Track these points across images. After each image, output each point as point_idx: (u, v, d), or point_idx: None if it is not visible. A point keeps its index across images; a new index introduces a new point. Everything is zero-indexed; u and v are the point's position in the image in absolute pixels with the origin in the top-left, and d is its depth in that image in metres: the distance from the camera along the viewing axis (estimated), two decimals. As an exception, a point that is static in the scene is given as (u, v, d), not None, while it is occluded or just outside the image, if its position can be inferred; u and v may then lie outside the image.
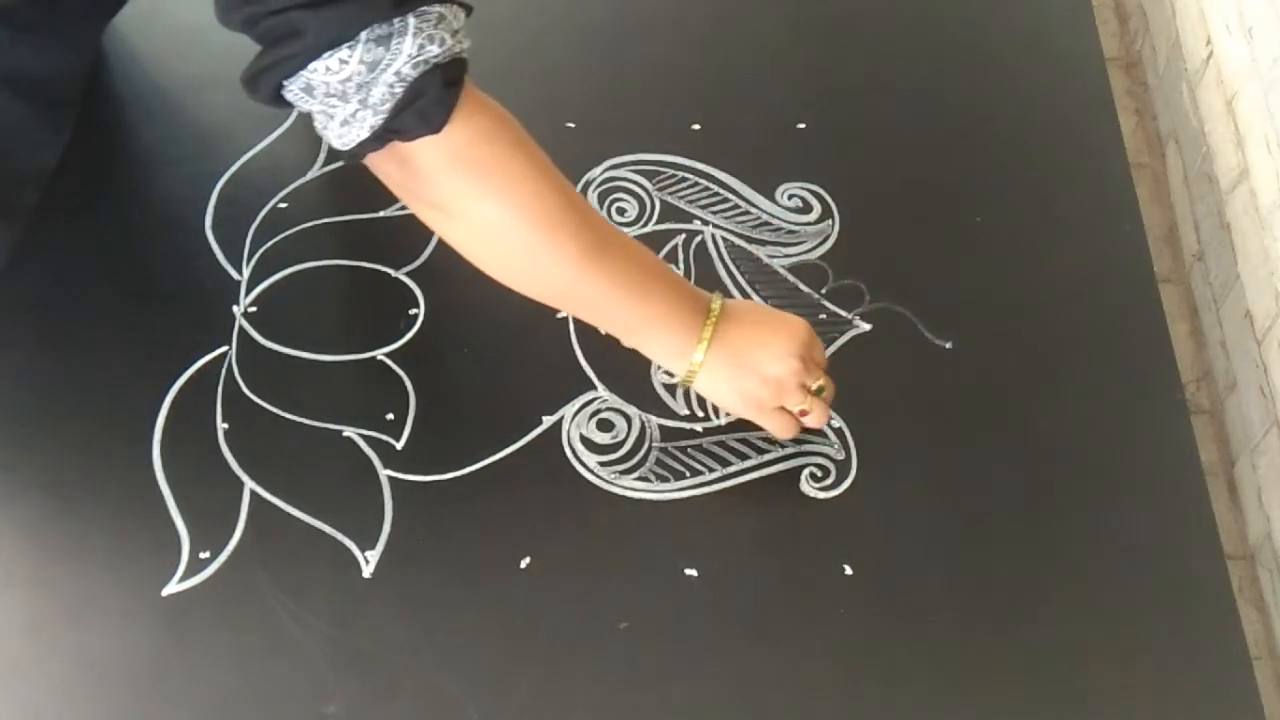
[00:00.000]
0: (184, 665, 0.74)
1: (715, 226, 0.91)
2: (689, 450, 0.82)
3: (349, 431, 0.82)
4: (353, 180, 0.93)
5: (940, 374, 0.85)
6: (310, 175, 0.94)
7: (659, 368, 0.84)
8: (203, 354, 0.85)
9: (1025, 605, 0.76)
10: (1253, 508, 1.10)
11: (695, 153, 0.95)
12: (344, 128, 0.66)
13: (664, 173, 0.94)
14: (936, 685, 0.74)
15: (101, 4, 0.89)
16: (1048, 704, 0.74)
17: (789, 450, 0.82)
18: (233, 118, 0.96)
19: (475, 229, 0.71)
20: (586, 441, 0.82)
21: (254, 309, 0.87)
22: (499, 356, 0.86)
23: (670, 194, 0.93)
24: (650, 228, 0.91)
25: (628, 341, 0.79)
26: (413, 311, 0.87)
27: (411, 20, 0.63)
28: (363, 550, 0.78)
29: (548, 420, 0.83)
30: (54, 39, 0.83)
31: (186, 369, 0.84)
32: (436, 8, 0.64)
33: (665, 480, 0.80)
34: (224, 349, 0.85)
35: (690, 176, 0.94)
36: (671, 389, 0.84)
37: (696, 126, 0.96)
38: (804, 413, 0.78)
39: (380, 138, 0.66)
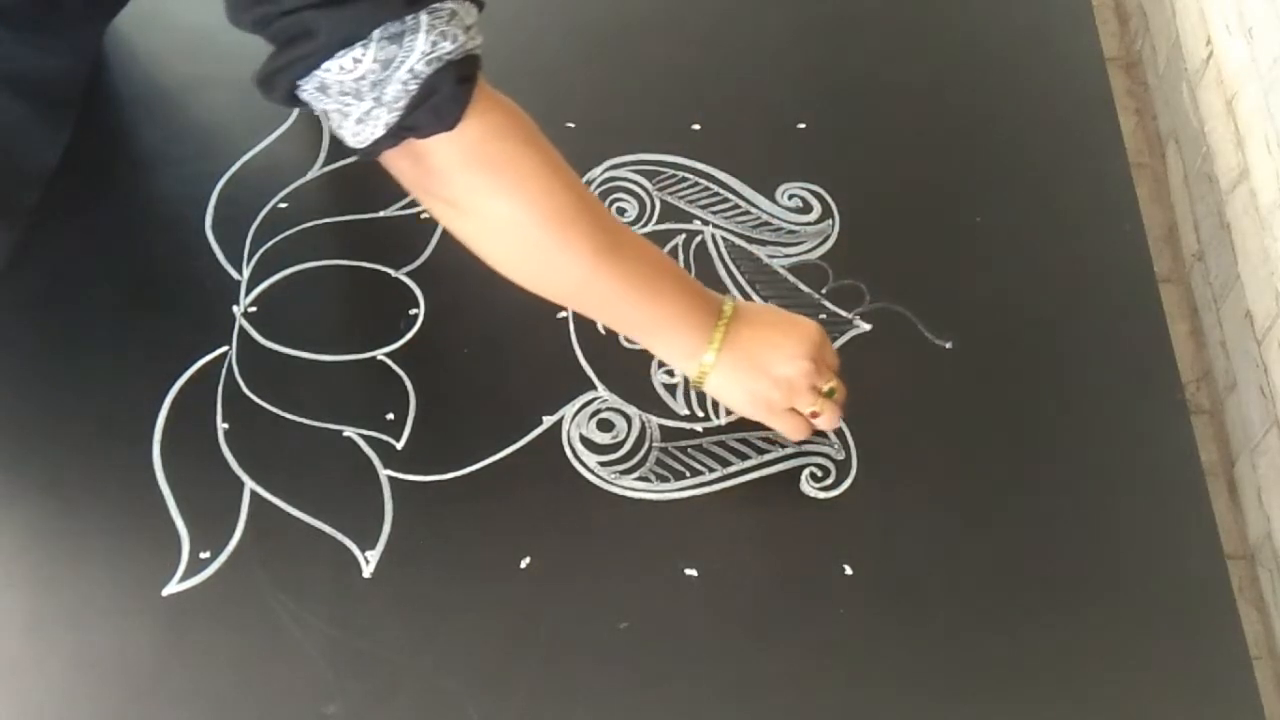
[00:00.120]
0: (184, 665, 0.74)
1: (715, 226, 0.91)
2: (689, 450, 0.82)
3: (349, 431, 0.82)
4: (353, 180, 0.94)
5: (940, 374, 0.85)
6: (310, 175, 0.94)
7: (659, 368, 0.85)
8: (203, 354, 0.85)
9: (1025, 605, 0.76)
10: (1253, 508, 1.10)
11: (695, 153, 0.95)
12: (359, 126, 0.66)
13: (664, 173, 0.94)
14: (936, 685, 0.74)
15: (101, 4, 0.89)
16: (1048, 704, 0.74)
17: (789, 450, 0.82)
18: (233, 118, 0.96)
19: (488, 226, 0.71)
20: (586, 441, 0.82)
21: (254, 309, 0.87)
22: (499, 356, 0.86)
23: (670, 194, 0.93)
24: (650, 228, 0.91)
25: (639, 341, 0.79)
26: (413, 311, 0.87)
27: (424, 17, 0.63)
28: (363, 550, 0.78)
29: (548, 420, 0.83)
30: (54, 39, 0.83)
31: (186, 369, 0.84)
32: (449, 4, 0.64)
33: (665, 480, 0.80)
34: (224, 349, 0.85)
35: (690, 176, 0.94)
36: (671, 389, 0.84)
37: (696, 126, 0.96)
38: (815, 415, 0.78)
39: (395, 135, 0.66)
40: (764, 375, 0.76)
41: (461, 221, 0.72)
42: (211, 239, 0.90)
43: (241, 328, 0.86)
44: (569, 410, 0.83)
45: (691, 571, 0.77)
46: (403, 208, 0.92)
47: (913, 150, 0.96)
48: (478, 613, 0.76)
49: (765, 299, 0.87)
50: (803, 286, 0.89)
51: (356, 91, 0.64)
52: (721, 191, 0.93)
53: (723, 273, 0.89)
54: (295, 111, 0.96)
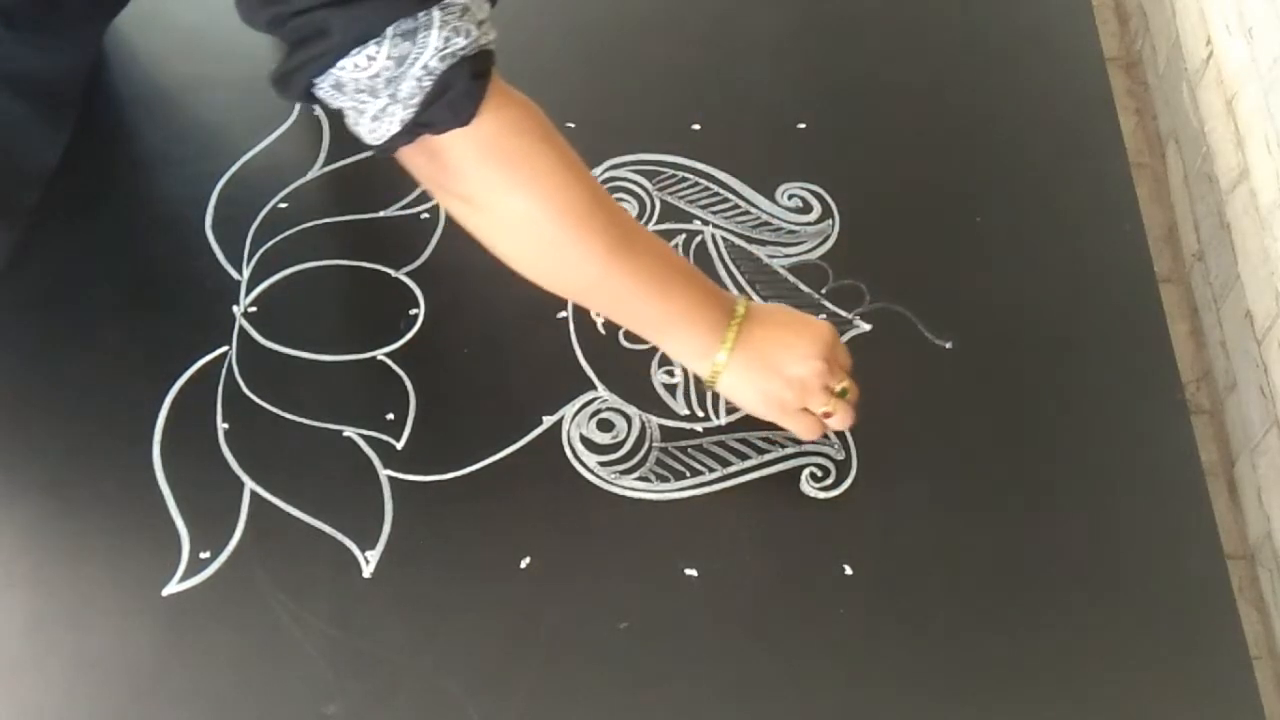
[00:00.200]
0: (184, 665, 0.74)
1: (715, 226, 0.91)
2: (689, 450, 0.82)
3: (349, 431, 0.82)
4: (353, 180, 0.94)
5: (940, 374, 0.85)
6: (310, 175, 0.94)
7: (659, 367, 0.85)
8: (203, 354, 0.85)
9: (1025, 605, 0.76)
10: (1253, 508, 1.10)
11: (695, 153, 0.95)
12: (374, 123, 0.66)
13: (664, 173, 0.94)
14: (936, 685, 0.74)
15: (101, 4, 0.89)
16: (1048, 704, 0.74)
17: (789, 450, 0.82)
18: (233, 118, 0.96)
19: (503, 222, 0.71)
20: (586, 441, 0.82)
21: (254, 309, 0.87)
22: (499, 356, 0.86)
23: (670, 194, 0.93)
24: (650, 228, 0.91)
25: (652, 339, 0.79)
26: (413, 311, 0.87)
27: (436, 14, 0.63)
28: (363, 550, 0.78)
29: (548, 420, 0.83)
30: (54, 39, 0.83)
31: (186, 369, 0.84)
32: (460, 0, 0.64)
33: (665, 480, 0.80)
34: (224, 349, 0.85)
35: (690, 176, 0.94)
36: (671, 389, 0.84)
37: (696, 126, 0.96)
38: (828, 414, 0.78)
39: (411, 131, 0.66)
40: (777, 375, 0.76)
41: (477, 218, 0.72)
42: (211, 239, 0.90)
43: (241, 328, 0.86)
44: (569, 410, 0.83)
45: (691, 571, 0.77)
46: (403, 208, 0.92)
47: (913, 150, 0.96)
48: (478, 613, 0.76)
49: (765, 299, 0.87)
50: (803, 286, 0.89)
51: (371, 89, 0.65)
52: (721, 191, 0.93)
53: (723, 273, 0.89)
54: (295, 111, 0.96)
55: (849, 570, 0.77)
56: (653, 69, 1.00)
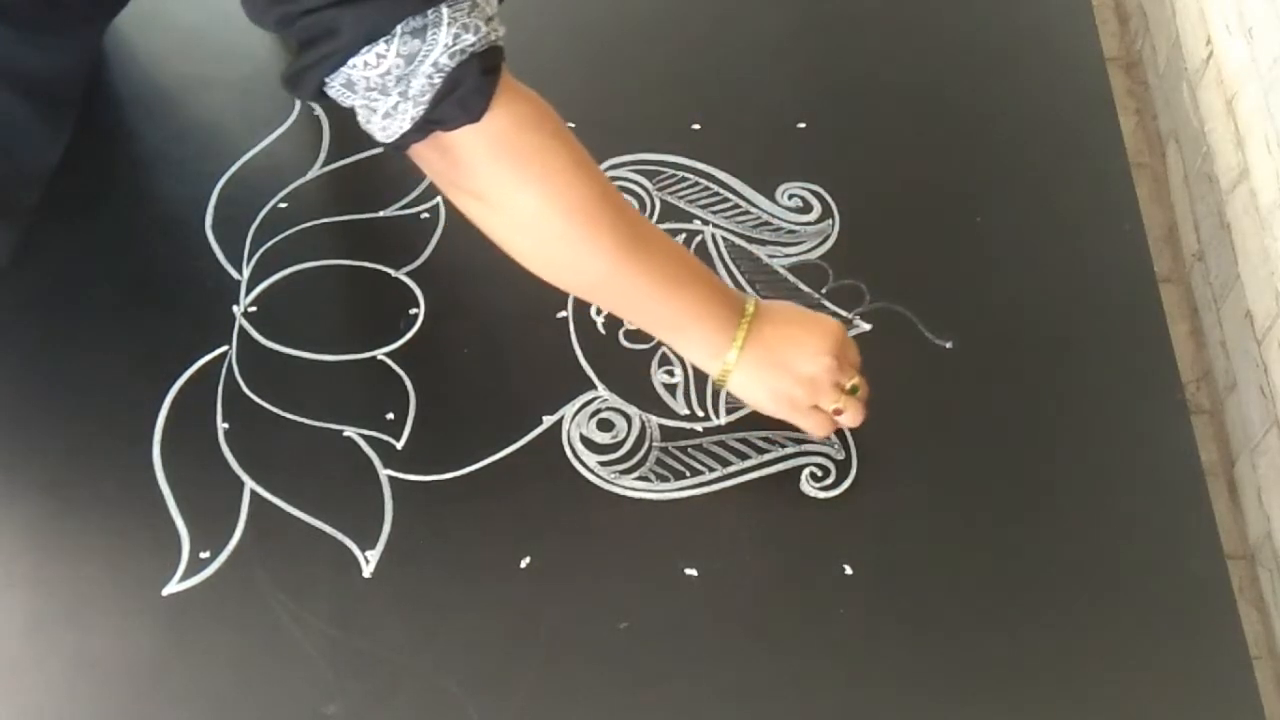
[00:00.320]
0: (184, 665, 0.74)
1: (715, 226, 0.91)
2: (689, 450, 0.82)
3: (349, 431, 0.82)
4: (353, 180, 0.94)
5: (940, 374, 0.85)
6: (310, 175, 0.94)
7: (659, 367, 0.85)
8: (203, 354, 0.85)
9: (1025, 605, 0.76)
10: (1253, 508, 1.10)
11: (695, 153, 0.95)
12: (386, 120, 0.66)
13: (664, 173, 0.94)
14: (936, 685, 0.74)
15: (101, 4, 0.89)
16: (1048, 704, 0.74)
17: (789, 450, 0.82)
18: (233, 118, 0.96)
19: (514, 219, 0.71)
20: (586, 441, 0.82)
21: (254, 309, 0.87)
22: (499, 356, 0.86)
23: (670, 194, 0.93)
24: (650, 228, 0.91)
25: (661, 338, 0.79)
26: (413, 311, 0.87)
27: (445, 10, 0.63)
28: (363, 550, 0.78)
29: (548, 420, 0.83)
30: (54, 39, 0.83)
31: (186, 369, 0.84)
32: None
33: (665, 480, 0.80)
34: (224, 349, 0.85)
35: (690, 176, 0.94)
36: (671, 389, 0.84)
37: (696, 126, 0.96)
38: (838, 411, 0.78)
39: (422, 129, 0.67)
40: (787, 373, 0.76)
41: (488, 215, 0.72)
42: (211, 239, 0.90)
43: (241, 327, 0.86)
44: (569, 410, 0.83)
45: (691, 571, 0.77)
46: (403, 208, 0.92)
47: (913, 150, 0.96)
48: (478, 613, 0.76)
49: (765, 299, 0.87)
50: (803, 286, 0.89)
51: (382, 87, 0.65)
52: (721, 191, 0.93)
53: (723, 273, 0.89)
54: (295, 111, 0.96)
55: (849, 570, 0.77)
56: (653, 69, 1.00)
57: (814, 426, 0.79)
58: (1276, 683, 1.04)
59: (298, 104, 0.96)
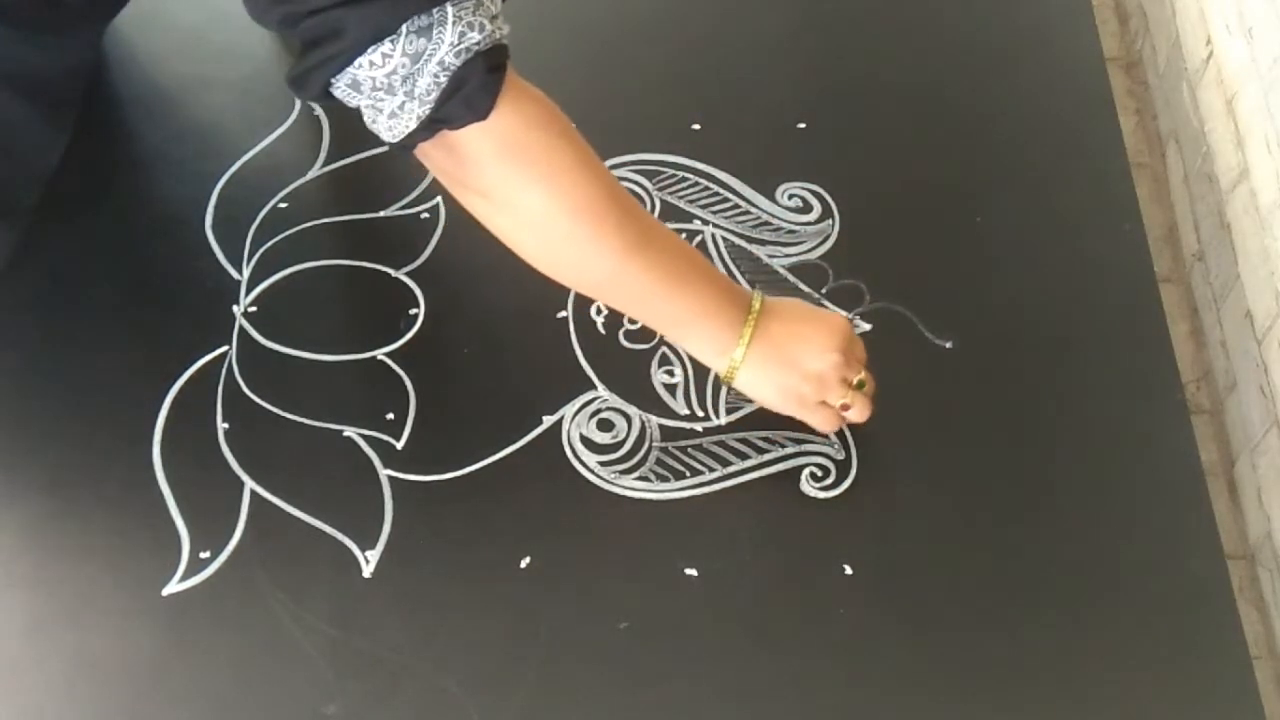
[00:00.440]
0: (184, 665, 0.74)
1: (715, 226, 0.91)
2: (689, 450, 0.82)
3: (349, 431, 0.82)
4: (353, 180, 0.94)
5: (940, 374, 0.85)
6: (310, 175, 0.94)
7: (659, 367, 0.85)
8: (203, 354, 0.85)
9: (1025, 605, 0.76)
10: (1253, 508, 1.10)
11: (695, 153, 0.95)
12: (392, 120, 0.66)
13: (664, 173, 0.94)
14: (936, 685, 0.74)
15: (101, 4, 0.89)
16: (1048, 704, 0.74)
17: (789, 450, 0.82)
18: (233, 118, 0.96)
19: (521, 218, 0.71)
20: (586, 441, 0.82)
21: (254, 309, 0.87)
22: (499, 356, 0.86)
23: (670, 194, 0.93)
24: (650, 228, 0.91)
25: (668, 336, 0.79)
26: (413, 311, 0.87)
27: (450, 9, 0.63)
28: (363, 550, 0.78)
29: (548, 420, 0.83)
30: (54, 39, 0.83)
31: (186, 369, 0.84)
32: None
33: (665, 480, 0.80)
34: (224, 349, 0.85)
35: (690, 176, 0.94)
36: (671, 389, 0.84)
37: (696, 126, 0.96)
38: (845, 407, 0.78)
39: (428, 128, 0.67)
40: (794, 370, 0.76)
41: (495, 213, 0.72)
42: (211, 239, 0.90)
43: (241, 328, 0.86)
44: (569, 410, 0.83)
45: (691, 571, 0.77)
46: (403, 208, 0.92)
47: (913, 150, 0.96)
48: (478, 613, 0.76)
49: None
50: (803, 286, 0.89)
51: (388, 86, 0.65)
52: (721, 191, 0.93)
53: (723, 272, 0.89)
54: (295, 111, 0.96)
55: (849, 570, 0.77)
56: (653, 69, 1.00)
57: (821, 422, 0.79)
58: (1276, 683, 1.04)
59: (298, 104, 0.96)
